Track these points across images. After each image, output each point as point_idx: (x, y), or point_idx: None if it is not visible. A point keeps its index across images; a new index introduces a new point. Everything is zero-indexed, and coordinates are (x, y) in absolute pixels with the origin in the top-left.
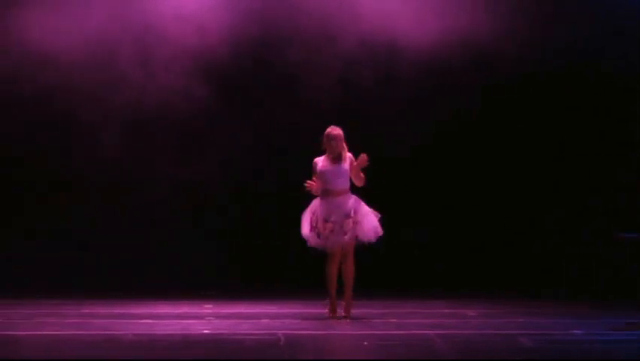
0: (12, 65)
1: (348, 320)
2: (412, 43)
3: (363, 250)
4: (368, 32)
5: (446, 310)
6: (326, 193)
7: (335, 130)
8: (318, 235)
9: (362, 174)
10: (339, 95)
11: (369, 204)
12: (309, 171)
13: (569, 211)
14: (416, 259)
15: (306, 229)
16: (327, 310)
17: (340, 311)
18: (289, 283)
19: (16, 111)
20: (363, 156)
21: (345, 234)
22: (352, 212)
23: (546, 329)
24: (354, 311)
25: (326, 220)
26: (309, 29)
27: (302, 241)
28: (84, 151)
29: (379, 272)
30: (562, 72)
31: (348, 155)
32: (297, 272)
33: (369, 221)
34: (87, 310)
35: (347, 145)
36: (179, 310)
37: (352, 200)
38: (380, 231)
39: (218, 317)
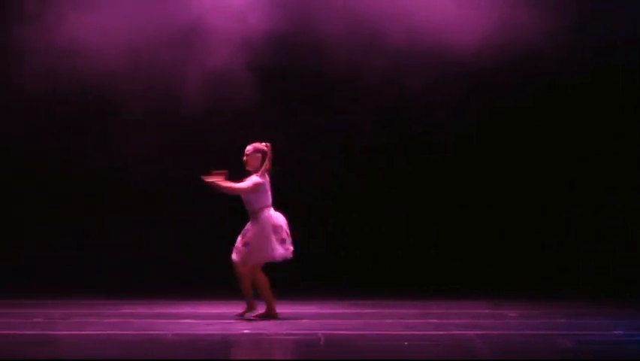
0: (52, 63)
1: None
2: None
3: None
4: (415, 30)
5: (485, 311)
6: (268, 207)
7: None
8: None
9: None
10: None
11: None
12: (354, 169)
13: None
14: (450, 258)
15: (277, 247)
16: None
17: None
18: (329, 283)
19: (59, 109)
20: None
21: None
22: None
23: (586, 329)
24: (393, 311)
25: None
26: (358, 29)
27: (338, 241)
28: (125, 150)
29: (415, 272)
30: (601, 73)
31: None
32: (337, 273)
33: None
34: (127, 310)
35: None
36: (219, 310)
37: None
38: None
39: (259, 316)
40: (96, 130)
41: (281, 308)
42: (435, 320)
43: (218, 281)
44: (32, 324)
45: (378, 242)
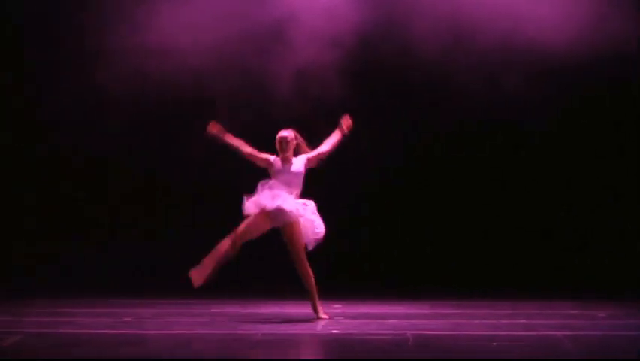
0: (140, 63)
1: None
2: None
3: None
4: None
5: (574, 311)
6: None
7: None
8: None
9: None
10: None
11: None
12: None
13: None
14: (539, 258)
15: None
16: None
17: None
18: (417, 284)
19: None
20: None
21: None
22: None
23: None
24: (480, 312)
25: None
26: (447, 28)
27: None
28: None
29: (502, 271)
30: None
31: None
32: (423, 273)
33: None
34: (216, 310)
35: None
36: (307, 310)
37: None
38: None
39: (346, 316)
40: (182, 130)
41: (368, 309)
42: (523, 321)
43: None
44: (123, 324)
45: (463, 241)
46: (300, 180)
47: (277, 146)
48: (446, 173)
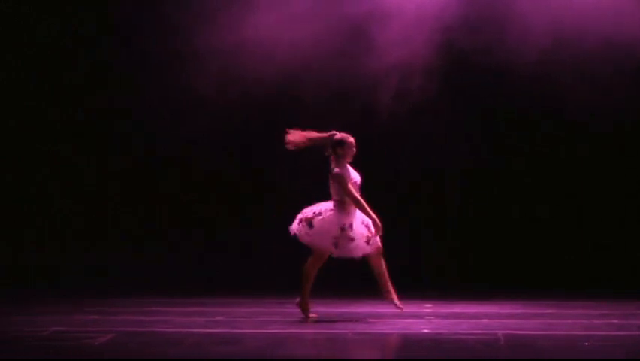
0: (236, 64)
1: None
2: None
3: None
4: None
5: None
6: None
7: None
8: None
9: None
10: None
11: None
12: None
13: None
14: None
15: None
16: (301, 313)
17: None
18: (508, 284)
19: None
20: None
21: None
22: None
23: None
24: (573, 312)
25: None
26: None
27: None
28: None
29: (594, 271)
30: None
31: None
32: (514, 273)
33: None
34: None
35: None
36: (394, 310)
37: None
38: None
39: (437, 316)
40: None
41: (459, 308)
42: (617, 321)
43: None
44: (215, 323)
45: (555, 240)
46: None
47: (352, 151)
48: (538, 171)
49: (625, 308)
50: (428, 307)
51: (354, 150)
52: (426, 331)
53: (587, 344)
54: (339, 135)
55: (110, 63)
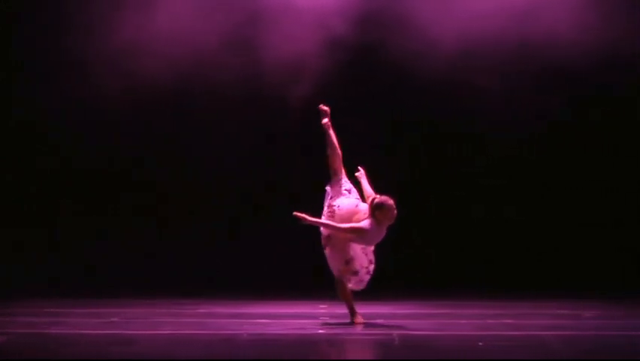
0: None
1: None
2: None
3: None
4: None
5: (560, 311)
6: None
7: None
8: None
9: None
10: None
11: None
12: None
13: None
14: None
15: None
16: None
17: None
18: (403, 283)
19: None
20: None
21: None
22: None
23: None
24: (467, 312)
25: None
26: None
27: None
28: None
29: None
30: None
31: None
32: (411, 272)
33: None
34: (204, 310)
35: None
36: (295, 310)
37: None
38: None
39: (332, 316)
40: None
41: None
42: (510, 321)
43: (293, 281)
44: (110, 324)
45: (459, 241)
46: None
47: (392, 214)
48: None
49: (518, 308)
50: (323, 308)
51: (395, 212)
52: (321, 331)
53: (480, 343)
54: (378, 199)
55: None
